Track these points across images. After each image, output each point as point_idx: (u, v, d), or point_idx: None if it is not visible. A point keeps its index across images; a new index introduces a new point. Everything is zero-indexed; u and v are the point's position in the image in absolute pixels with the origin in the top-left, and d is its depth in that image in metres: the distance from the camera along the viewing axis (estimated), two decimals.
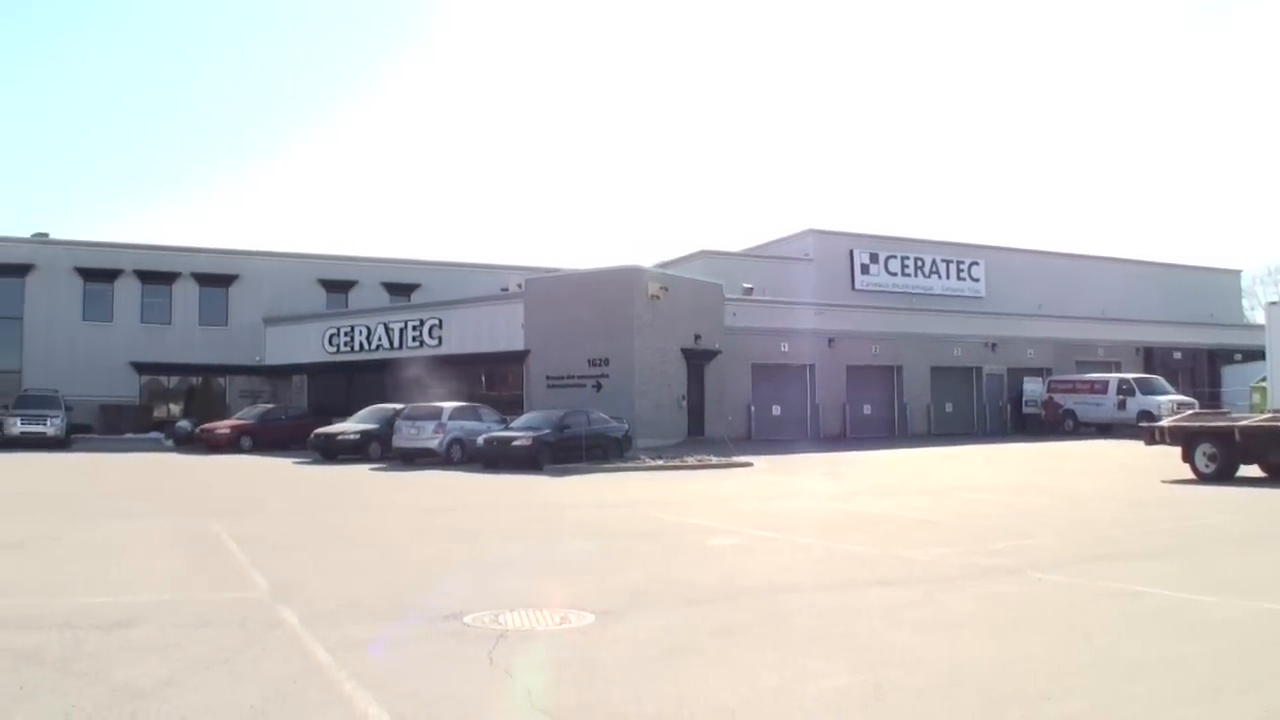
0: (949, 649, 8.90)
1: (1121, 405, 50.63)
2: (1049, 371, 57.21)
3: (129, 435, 52.85)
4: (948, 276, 67.46)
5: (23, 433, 45.27)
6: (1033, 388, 56.33)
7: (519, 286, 48.37)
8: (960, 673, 8.17)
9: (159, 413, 58.67)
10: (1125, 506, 21.10)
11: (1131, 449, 33.26)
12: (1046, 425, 53.49)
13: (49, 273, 57.55)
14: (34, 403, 47.54)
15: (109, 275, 58.56)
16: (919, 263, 66.82)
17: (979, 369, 56.67)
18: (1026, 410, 56.11)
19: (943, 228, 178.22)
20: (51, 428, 45.85)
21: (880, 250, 65.85)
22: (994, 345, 56.71)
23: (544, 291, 46.43)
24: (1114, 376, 53.06)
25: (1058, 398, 53.88)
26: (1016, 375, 57.39)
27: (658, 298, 43.54)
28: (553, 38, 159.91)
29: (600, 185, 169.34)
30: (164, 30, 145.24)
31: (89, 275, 58.25)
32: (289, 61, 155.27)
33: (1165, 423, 28.48)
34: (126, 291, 59.06)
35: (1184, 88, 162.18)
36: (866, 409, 52.69)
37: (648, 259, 52.51)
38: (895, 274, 65.85)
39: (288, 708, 7.29)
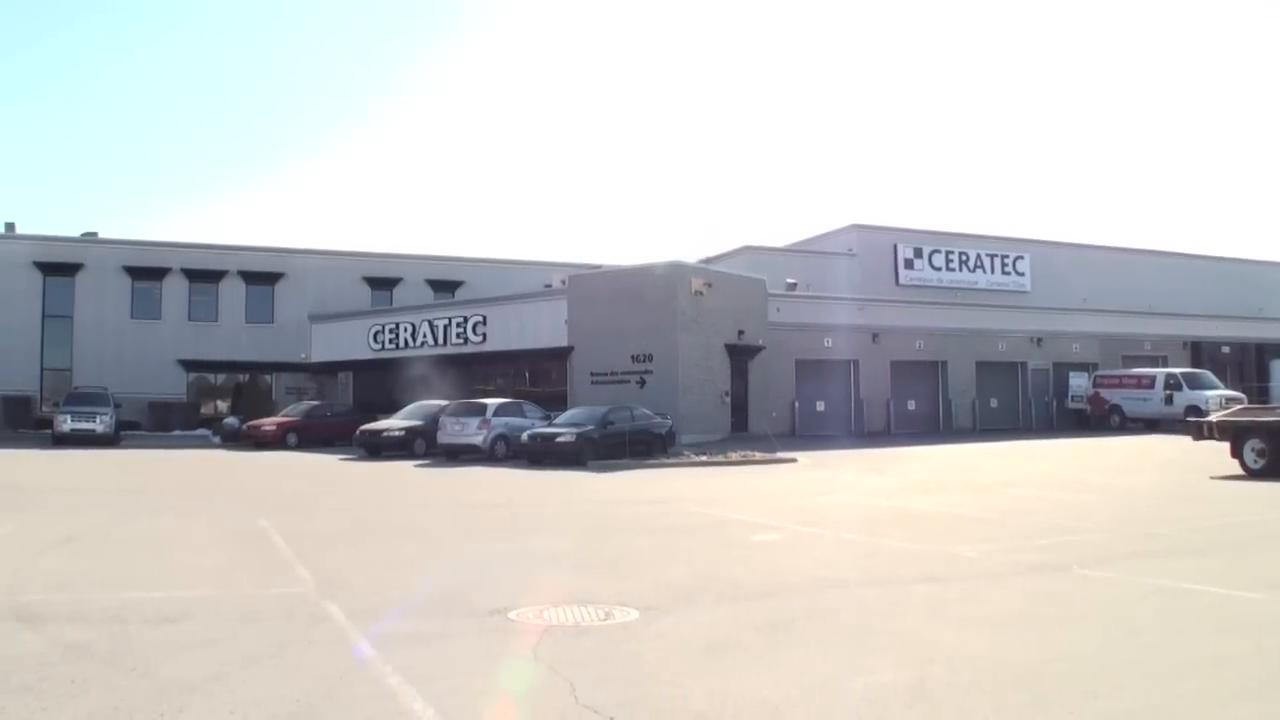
0: (994, 646, 8.87)
1: (1169, 400, 50.13)
2: (1095, 366, 56.63)
3: (177, 432, 53.31)
4: (992, 271, 67.10)
5: (73, 430, 45.67)
6: (1078, 383, 55.78)
7: (562, 283, 48.39)
8: (1006, 670, 8.13)
9: (206, 409, 59.23)
10: (1172, 502, 20.94)
11: (1179, 444, 33.01)
12: (1092, 421, 52.99)
13: (98, 272, 58.20)
14: (84, 400, 47.96)
15: (157, 274, 59.16)
16: (963, 257, 66.50)
17: (1024, 364, 56.20)
18: (1072, 405, 55.59)
19: (987, 222, 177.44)
20: (101, 425, 46.23)
21: (924, 245, 65.56)
22: (1039, 340, 56.24)
23: (587, 288, 46.42)
24: (1161, 371, 52.49)
25: (1104, 393, 53.40)
26: (1062, 370, 56.88)
27: (701, 294, 43.46)
28: (596, 33, 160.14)
29: (643, 181, 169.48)
30: (209, 31, 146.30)
31: (137, 274, 58.85)
32: (333, 60, 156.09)
33: (1213, 418, 28.19)
34: (174, 290, 59.66)
35: (1229, 79, 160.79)
36: (911, 404, 52.42)
37: (690, 255, 52.40)
38: (939, 269, 65.55)
39: (334, 702, 7.34)
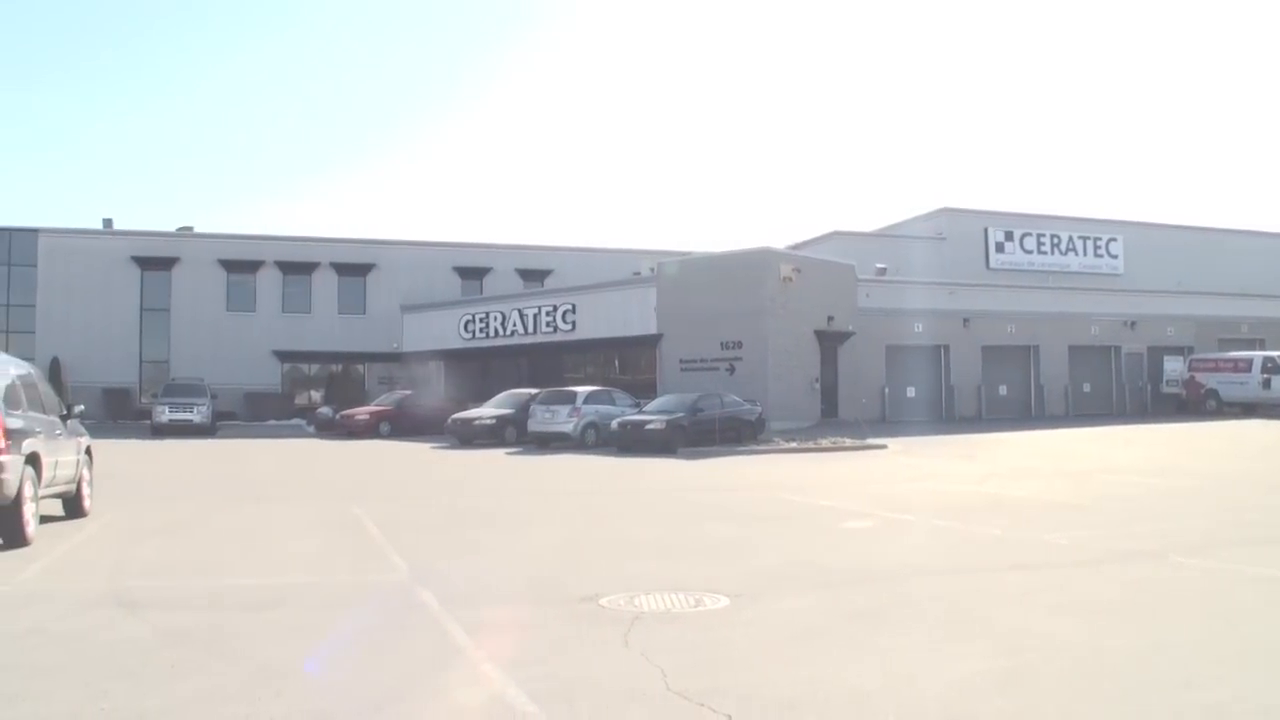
0: (1087, 635, 8.77)
1: (1266, 384, 49.21)
2: (1190, 350, 55.58)
3: (271, 422, 54.11)
4: (1084, 253, 66.21)
5: (170, 420, 46.49)
6: (1173, 367, 54.85)
7: (651, 270, 48.45)
8: (1099, 659, 8.05)
9: (300, 399, 60.01)
10: (1270, 489, 20.61)
11: (1277, 430, 32.47)
12: (1188, 405, 52.09)
13: (194, 265, 59.19)
14: (181, 391, 48.79)
15: (251, 266, 60.04)
16: (1055, 240, 65.68)
17: (1117, 348, 55.38)
18: (1167, 390, 54.73)
19: (1078, 203, 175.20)
20: (198, 415, 47.00)
21: (1015, 228, 64.85)
22: (1133, 323, 55.33)
23: (676, 275, 46.42)
24: (1258, 354, 51.46)
25: (1199, 377, 52.49)
26: (1156, 354, 55.99)
27: (790, 279, 43.29)
28: (682, 21, 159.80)
29: (731, 168, 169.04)
30: (299, 26, 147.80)
31: (232, 267, 59.75)
32: (419, 53, 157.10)
33: None
34: (268, 282, 60.53)
35: None
36: (1002, 390, 51.90)
37: (779, 241, 52.30)
38: (1030, 252, 64.80)
39: (427, 688, 7.43)
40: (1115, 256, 66.61)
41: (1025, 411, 51.72)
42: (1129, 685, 7.37)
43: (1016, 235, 64.75)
